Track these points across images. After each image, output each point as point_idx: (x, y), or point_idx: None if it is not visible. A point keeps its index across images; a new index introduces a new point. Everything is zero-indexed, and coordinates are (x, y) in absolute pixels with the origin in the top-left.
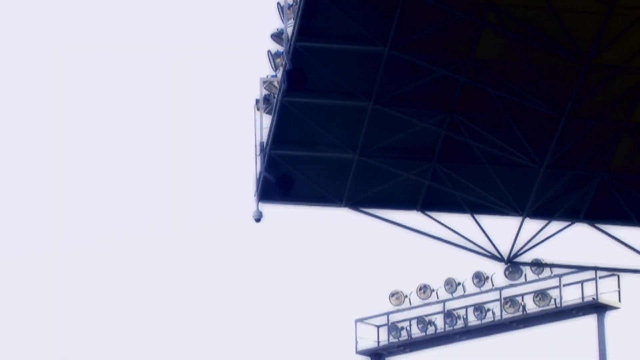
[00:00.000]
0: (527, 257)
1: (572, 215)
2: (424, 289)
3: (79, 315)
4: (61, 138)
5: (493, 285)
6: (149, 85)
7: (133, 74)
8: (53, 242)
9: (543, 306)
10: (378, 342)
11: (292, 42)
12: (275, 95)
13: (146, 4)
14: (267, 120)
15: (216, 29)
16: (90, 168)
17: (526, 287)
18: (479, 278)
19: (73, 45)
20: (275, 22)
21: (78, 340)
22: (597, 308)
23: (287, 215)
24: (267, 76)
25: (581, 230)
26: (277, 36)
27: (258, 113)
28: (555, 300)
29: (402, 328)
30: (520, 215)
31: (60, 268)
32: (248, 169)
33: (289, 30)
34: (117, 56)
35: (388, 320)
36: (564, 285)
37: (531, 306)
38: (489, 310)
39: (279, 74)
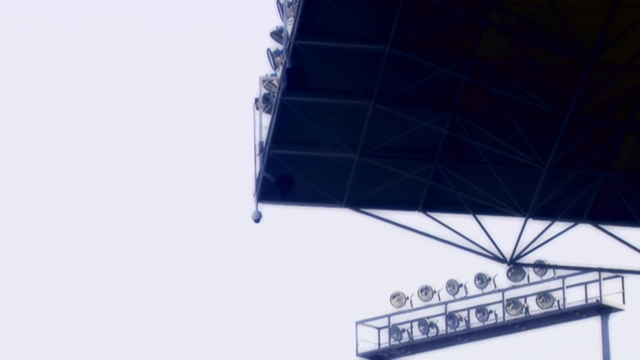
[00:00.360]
0: (530, 258)
1: (576, 215)
2: (425, 291)
3: (79, 315)
4: (61, 138)
5: (495, 286)
6: (149, 85)
7: (133, 74)
8: (53, 242)
9: (546, 308)
10: (379, 344)
11: (291, 41)
12: (275, 94)
13: (146, 4)
14: (267, 119)
15: (216, 28)
16: (90, 168)
17: (529, 289)
18: (481, 279)
19: (73, 45)
20: (274, 20)
21: (78, 340)
22: (601, 310)
23: (286, 216)
24: (266, 75)
25: (585, 231)
26: (276, 34)
27: (257, 112)
28: (558, 302)
29: (403, 330)
30: (523, 215)
31: (60, 268)
32: (247, 169)
33: (289, 29)
34: (117, 56)
35: (389, 322)
36: (568, 287)
37: (534, 308)
38: (491, 312)
39: (279, 72)
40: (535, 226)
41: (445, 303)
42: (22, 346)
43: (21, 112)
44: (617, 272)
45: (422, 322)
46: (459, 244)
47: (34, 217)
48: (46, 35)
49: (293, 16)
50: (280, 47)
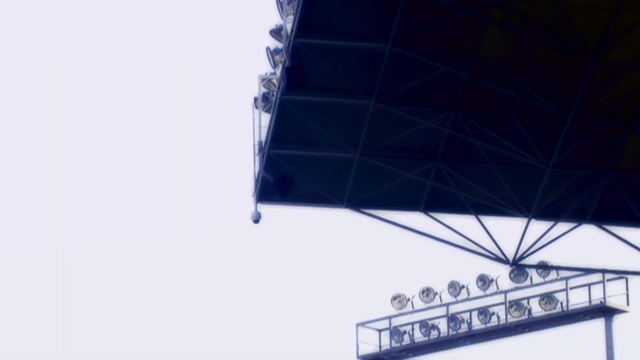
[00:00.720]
0: (532, 260)
1: (579, 216)
2: (426, 292)
3: (78, 316)
4: (61, 138)
5: (498, 288)
6: (149, 85)
7: (133, 74)
8: (51, 244)
9: (549, 310)
10: (380, 346)
11: (291, 39)
12: (274, 93)
13: (146, 4)
14: (266, 118)
15: (215, 28)
16: (89, 168)
17: (532, 290)
18: (484, 281)
19: (73, 45)
20: (274, 18)
21: (77, 340)
22: (604, 312)
23: (286, 217)
24: (265, 73)
25: (588, 232)
26: (276, 32)
27: (256, 111)
28: (561, 303)
29: (405, 332)
30: (525, 216)
31: (59, 270)
32: (246, 169)
33: (288, 27)
34: (117, 56)
35: (390, 324)
36: (571, 288)
37: (537, 310)
38: (493, 314)
39: (278, 71)
40: (538, 227)
41: (447, 305)
42: (22, 346)
43: (21, 112)
44: (621, 274)
45: (423, 324)
46: (461, 245)
47: (32, 219)
48: (46, 35)
49: (293, 14)
50: (279, 45)
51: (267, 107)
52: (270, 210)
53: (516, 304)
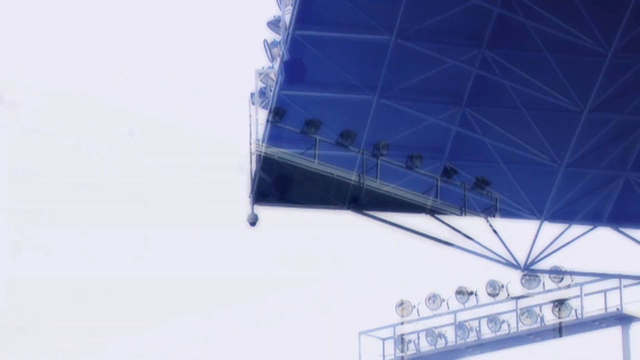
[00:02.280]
0: (545, 264)
1: (594, 218)
2: (433, 299)
3: (75, 316)
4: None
5: (508, 294)
6: (143, 81)
7: (126, 70)
8: None
9: (563, 317)
10: (383, 356)
11: (290, 31)
12: (272, 88)
13: (146, 3)
14: (263, 115)
15: (210, 19)
16: (85, 168)
17: (544, 297)
18: (493, 287)
19: (73, 45)
20: (271, 9)
21: (76, 340)
22: (621, 319)
23: (284, 219)
24: (263, 68)
25: (604, 235)
26: (274, 24)
27: (253, 107)
28: (576, 311)
29: (410, 341)
30: (538, 218)
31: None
32: (242, 168)
33: (287, 18)
34: (109, 51)
35: (394, 333)
36: (586, 295)
37: (550, 317)
38: (504, 321)
39: (276, 65)
40: (551, 230)
41: (455, 312)
42: (22, 346)
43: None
44: (639, 279)
45: (429, 332)
46: (470, 249)
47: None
48: (46, 35)
49: (291, 4)
50: (277, 37)
51: (264, 103)
52: (267, 212)
53: (528, 311)
